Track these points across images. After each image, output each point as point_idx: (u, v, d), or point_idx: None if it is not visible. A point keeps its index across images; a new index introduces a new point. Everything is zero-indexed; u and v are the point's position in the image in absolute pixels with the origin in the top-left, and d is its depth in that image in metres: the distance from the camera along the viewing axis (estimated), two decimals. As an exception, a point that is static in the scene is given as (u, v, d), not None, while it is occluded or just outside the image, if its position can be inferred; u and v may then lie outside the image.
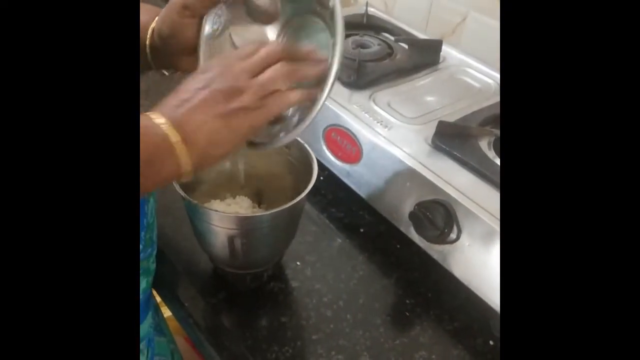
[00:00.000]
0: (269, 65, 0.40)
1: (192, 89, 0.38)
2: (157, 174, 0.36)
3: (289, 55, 0.41)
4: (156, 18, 0.46)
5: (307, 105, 0.44)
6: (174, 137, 0.36)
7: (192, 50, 0.45)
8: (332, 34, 0.42)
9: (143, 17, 0.47)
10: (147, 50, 0.47)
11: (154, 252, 0.53)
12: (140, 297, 0.53)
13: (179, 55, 0.46)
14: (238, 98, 0.38)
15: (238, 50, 0.42)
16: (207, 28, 0.46)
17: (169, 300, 0.59)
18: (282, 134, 0.44)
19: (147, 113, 0.37)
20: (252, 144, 0.44)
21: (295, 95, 0.41)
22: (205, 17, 0.45)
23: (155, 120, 0.37)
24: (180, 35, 0.45)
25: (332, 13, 0.40)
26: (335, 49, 0.40)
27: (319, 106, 0.41)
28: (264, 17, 0.47)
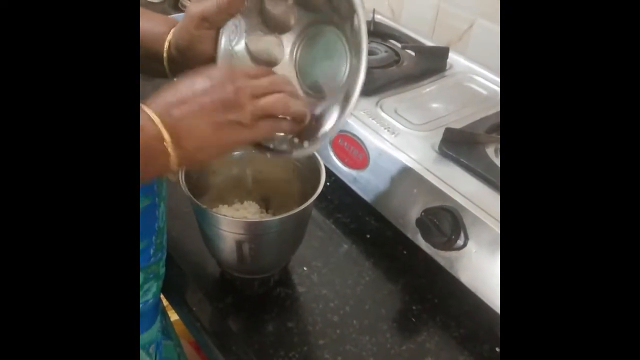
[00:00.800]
0: (271, 92, 0.40)
1: (193, 92, 0.38)
2: (144, 171, 0.37)
3: (292, 94, 0.42)
4: (172, 30, 0.46)
5: (327, 115, 0.44)
6: (167, 137, 0.37)
7: (211, 61, 0.46)
8: (353, 48, 0.43)
9: (159, 28, 0.48)
10: (165, 62, 0.48)
11: (164, 257, 0.54)
12: (151, 300, 0.54)
13: (198, 66, 0.47)
14: (235, 112, 0.39)
15: (246, 68, 0.42)
16: (224, 39, 0.46)
17: (177, 304, 0.59)
18: (306, 143, 0.44)
19: (142, 105, 0.37)
20: (272, 151, 0.45)
21: (286, 125, 0.42)
22: (222, 27, 0.46)
23: (149, 116, 0.37)
24: (198, 47, 0.45)
25: (355, 33, 0.41)
26: (360, 62, 0.41)
27: (344, 118, 0.42)
28: (280, 27, 0.47)
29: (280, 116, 0.41)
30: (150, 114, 0.37)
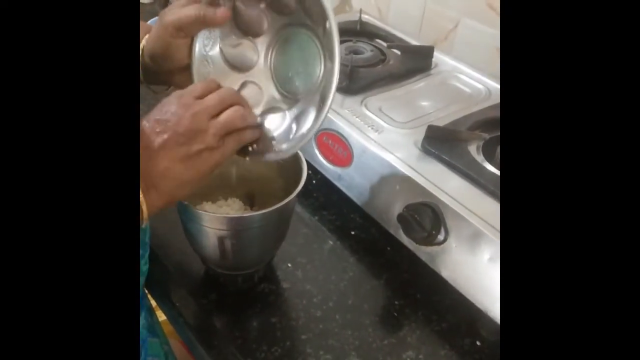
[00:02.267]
0: (225, 107, 0.41)
1: (153, 132, 0.39)
2: None
3: (238, 99, 0.43)
4: (146, 37, 0.47)
5: (305, 117, 0.45)
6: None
7: (185, 68, 0.47)
8: (326, 51, 0.44)
9: None
10: (140, 69, 0.48)
11: (146, 254, 0.54)
12: None
13: (172, 73, 0.47)
14: (200, 139, 0.39)
15: (192, 87, 0.42)
16: (198, 45, 0.47)
17: (161, 300, 0.60)
18: (284, 146, 0.45)
19: None
20: (252, 153, 0.46)
21: (250, 134, 0.43)
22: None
23: None
24: (173, 56, 0.46)
25: (328, 37, 0.42)
26: (333, 66, 0.42)
27: (321, 120, 0.43)
28: (253, 31, 0.48)
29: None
30: None
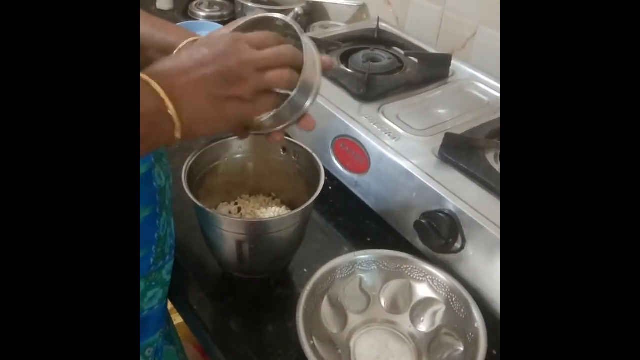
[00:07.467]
0: (277, 66, 0.40)
1: (195, 62, 0.38)
2: (148, 141, 0.36)
3: (298, 63, 0.41)
4: (185, 42, 0.48)
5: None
6: (171, 106, 0.36)
7: None
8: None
9: (172, 38, 0.49)
10: None
11: (167, 264, 0.54)
12: (157, 307, 0.55)
13: None
14: (238, 87, 0.38)
15: (251, 35, 0.41)
16: None
17: (179, 304, 0.60)
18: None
19: (144, 74, 0.36)
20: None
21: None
22: None
23: (152, 86, 0.36)
24: None
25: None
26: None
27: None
28: None
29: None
30: (151, 83, 0.36)
